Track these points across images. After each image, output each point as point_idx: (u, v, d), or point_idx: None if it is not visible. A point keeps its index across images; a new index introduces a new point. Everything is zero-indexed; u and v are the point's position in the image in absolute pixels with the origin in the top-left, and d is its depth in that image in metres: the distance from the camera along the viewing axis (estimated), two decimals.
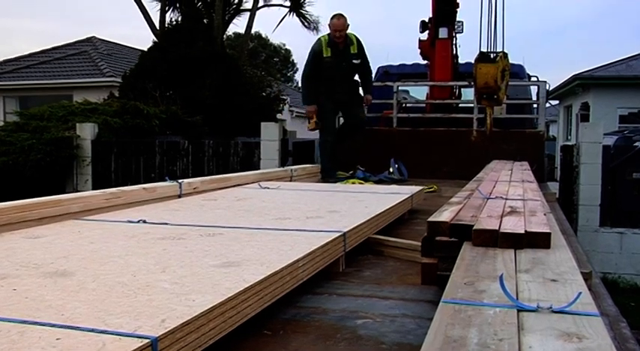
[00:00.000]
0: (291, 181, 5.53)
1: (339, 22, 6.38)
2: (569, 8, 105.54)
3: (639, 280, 8.42)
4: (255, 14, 16.85)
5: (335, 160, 6.62)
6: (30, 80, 19.06)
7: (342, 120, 7.28)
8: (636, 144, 9.24)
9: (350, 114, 6.84)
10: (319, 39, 6.61)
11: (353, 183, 5.68)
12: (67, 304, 1.36)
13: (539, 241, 1.81)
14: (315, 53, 6.53)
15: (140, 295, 1.45)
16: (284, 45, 44.03)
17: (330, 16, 6.44)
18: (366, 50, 6.68)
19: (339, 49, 6.47)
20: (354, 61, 6.52)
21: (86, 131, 10.23)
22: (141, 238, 2.22)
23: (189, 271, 1.69)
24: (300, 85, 7.08)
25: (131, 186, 3.67)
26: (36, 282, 1.57)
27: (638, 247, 8.44)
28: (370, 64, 6.88)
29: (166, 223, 2.52)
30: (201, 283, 1.56)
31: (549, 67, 75.09)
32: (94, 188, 9.12)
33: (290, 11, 17.97)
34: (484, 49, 6.30)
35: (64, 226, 2.49)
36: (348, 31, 6.50)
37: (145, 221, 2.56)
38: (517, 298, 1.27)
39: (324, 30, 18.33)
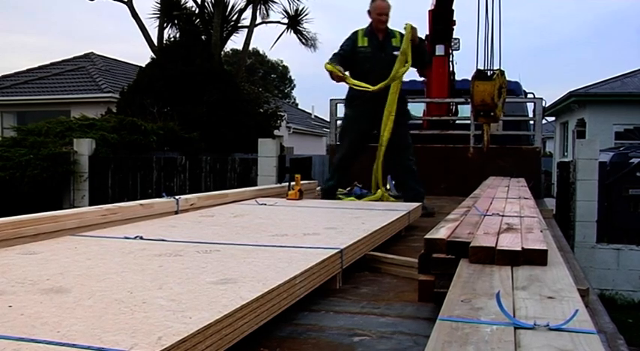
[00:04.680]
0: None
1: (383, 3, 5.14)
2: (565, 26, 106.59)
3: (636, 297, 8.41)
4: (252, 31, 16.95)
5: (342, 183, 5.63)
6: (28, 96, 19.10)
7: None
8: (632, 160, 9.27)
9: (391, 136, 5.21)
10: (354, 31, 5.32)
11: (351, 200, 5.67)
12: (64, 321, 1.36)
13: (535, 258, 1.82)
14: (348, 40, 5.26)
15: (137, 312, 1.44)
16: (282, 61, 44.38)
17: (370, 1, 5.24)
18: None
19: (379, 40, 5.22)
20: (396, 53, 5.02)
21: (83, 147, 10.23)
22: (137, 254, 2.21)
23: (186, 288, 1.69)
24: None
25: (128, 202, 3.66)
26: (32, 299, 1.57)
27: (635, 264, 8.44)
28: (426, 52, 5.48)
29: (163, 240, 2.51)
30: (198, 300, 1.55)
31: (545, 84, 75.73)
32: (91, 204, 9.10)
33: (287, 28, 18.06)
34: (481, 67, 6.33)
35: (60, 243, 2.48)
36: (391, 27, 5.29)
37: (141, 238, 2.56)
38: (514, 316, 1.27)
39: (322, 46, 18.46)
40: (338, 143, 5.78)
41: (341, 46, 5.28)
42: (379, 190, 5.55)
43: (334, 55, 5.20)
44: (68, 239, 2.58)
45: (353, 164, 5.59)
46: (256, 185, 8.03)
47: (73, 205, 9.72)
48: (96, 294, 1.62)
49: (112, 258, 2.14)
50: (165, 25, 16.60)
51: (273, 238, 2.66)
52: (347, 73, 5.06)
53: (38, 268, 1.95)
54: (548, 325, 1.19)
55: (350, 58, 5.21)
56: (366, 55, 5.19)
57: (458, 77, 8.61)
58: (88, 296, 1.59)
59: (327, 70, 4.92)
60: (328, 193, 5.54)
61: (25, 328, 1.31)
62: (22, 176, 9.63)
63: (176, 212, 3.81)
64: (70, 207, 8.72)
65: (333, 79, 5.00)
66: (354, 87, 5.11)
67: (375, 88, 4.98)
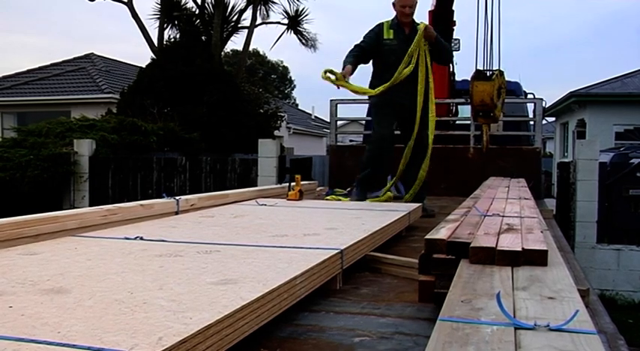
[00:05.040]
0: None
1: None
2: (565, 26, 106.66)
3: (637, 297, 8.41)
4: (253, 31, 16.95)
5: (379, 172, 5.32)
6: (28, 96, 19.09)
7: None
8: (632, 161, 9.27)
9: (410, 133, 5.22)
10: (379, 23, 5.19)
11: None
12: (64, 322, 1.36)
13: (536, 258, 1.81)
14: (371, 32, 5.14)
15: (137, 312, 1.44)
16: (282, 62, 44.40)
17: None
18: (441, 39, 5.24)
19: (405, 33, 5.09)
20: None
21: (84, 147, 10.24)
22: (138, 255, 2.21)
23: (186, 289, 1.69)
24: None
25: (128, 202, 3.66)
26: (32, 299, 1.57)
27: (636, 264, 8.44)
28: (451, 50, 5.44)
29: (163, 240, 2.51)
30: (199, 300, 1.56)
31: (545, 84, 75.66)
32: (91, 204, 9.10)
33: (288, 29, 18.07)
34: (480, 67, 6.34)
35: (60, 243, 2.48)
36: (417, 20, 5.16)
37: (142, 238, 2.56)
38: (514, 316, 1.27)
39: (322, 47, 18.48)
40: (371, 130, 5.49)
41: (363, 38, 5.17)
42: (388, 193, 5.53)
43: (355, 46, 5.11)
44: (69, 240, 2.58)
45: (387, 153, 5.32)
46: (256, 186, 8.02)
47: (74, 206, 9.72)
48: (96, 294, 1.62)
49: (112, 258, 2.14)
50: (165, 25, 16.62)
51: (274, 238, 2.66)
52: (347, 76, 4.88)
53: (39, 269, 1.95)
54: (548, 326, 1.19)
55: (374, 51, 5.12)
56: (391, 47, 5.08)
57: (458, 77, 8.62)
58: (88, 297, 1.59)
59: (323, 78, 4.80)
60: (364, 183, 5.29)
61: (26, 328, 1.31)
62: (23, 177, 9.64)
63: (176, 213, 3.81)
64: (71, 207, 8.73)
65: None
66: (354, 92, 5.09)
67: (375, 91, 4.98)
